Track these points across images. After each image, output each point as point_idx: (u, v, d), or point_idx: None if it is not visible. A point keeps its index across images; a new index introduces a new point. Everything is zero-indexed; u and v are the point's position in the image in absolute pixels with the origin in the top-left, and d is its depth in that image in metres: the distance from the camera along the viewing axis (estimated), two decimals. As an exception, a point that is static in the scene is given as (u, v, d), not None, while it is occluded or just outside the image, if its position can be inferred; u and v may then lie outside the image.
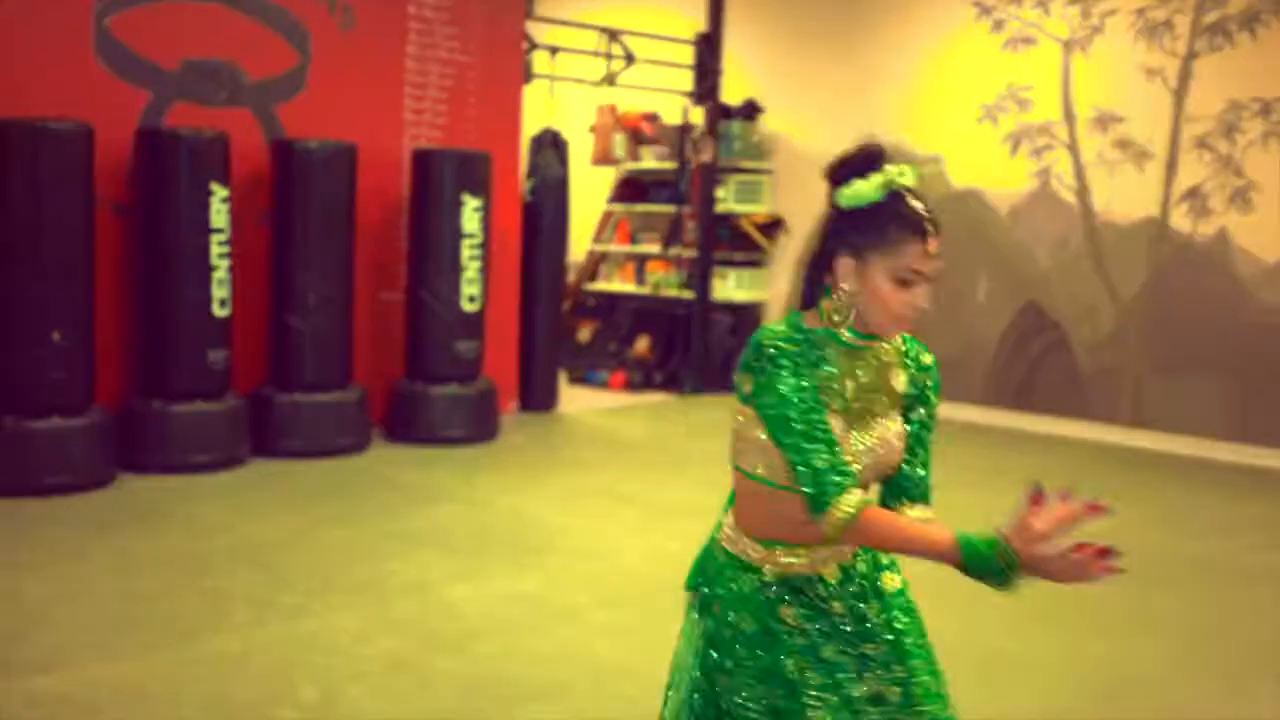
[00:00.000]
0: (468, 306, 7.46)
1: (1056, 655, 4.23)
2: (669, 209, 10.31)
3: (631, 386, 9.98)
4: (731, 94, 10.09)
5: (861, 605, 2.18)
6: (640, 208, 10.83)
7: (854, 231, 2.08)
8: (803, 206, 10.05)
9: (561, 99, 9.08)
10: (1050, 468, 7.42)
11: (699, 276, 10.01)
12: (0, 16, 6.20)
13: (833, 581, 2.17)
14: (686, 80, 9.86)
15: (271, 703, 3.61)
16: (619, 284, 10.97)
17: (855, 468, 2.05)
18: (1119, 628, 4.52)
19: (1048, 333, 8.70)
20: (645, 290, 10.67)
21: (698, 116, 9.91)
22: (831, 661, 2.14)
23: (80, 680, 3.73)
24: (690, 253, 10.09)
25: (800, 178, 10.05)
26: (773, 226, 10.25)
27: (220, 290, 6.54)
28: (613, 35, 8.99)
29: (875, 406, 2.13)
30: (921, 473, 2.19)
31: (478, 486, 6.41)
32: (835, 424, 2.06)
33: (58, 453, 5.89)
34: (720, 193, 10.06)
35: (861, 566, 2.19)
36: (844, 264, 2.08)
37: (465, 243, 7.42)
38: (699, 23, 9.94)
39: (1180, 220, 8.02)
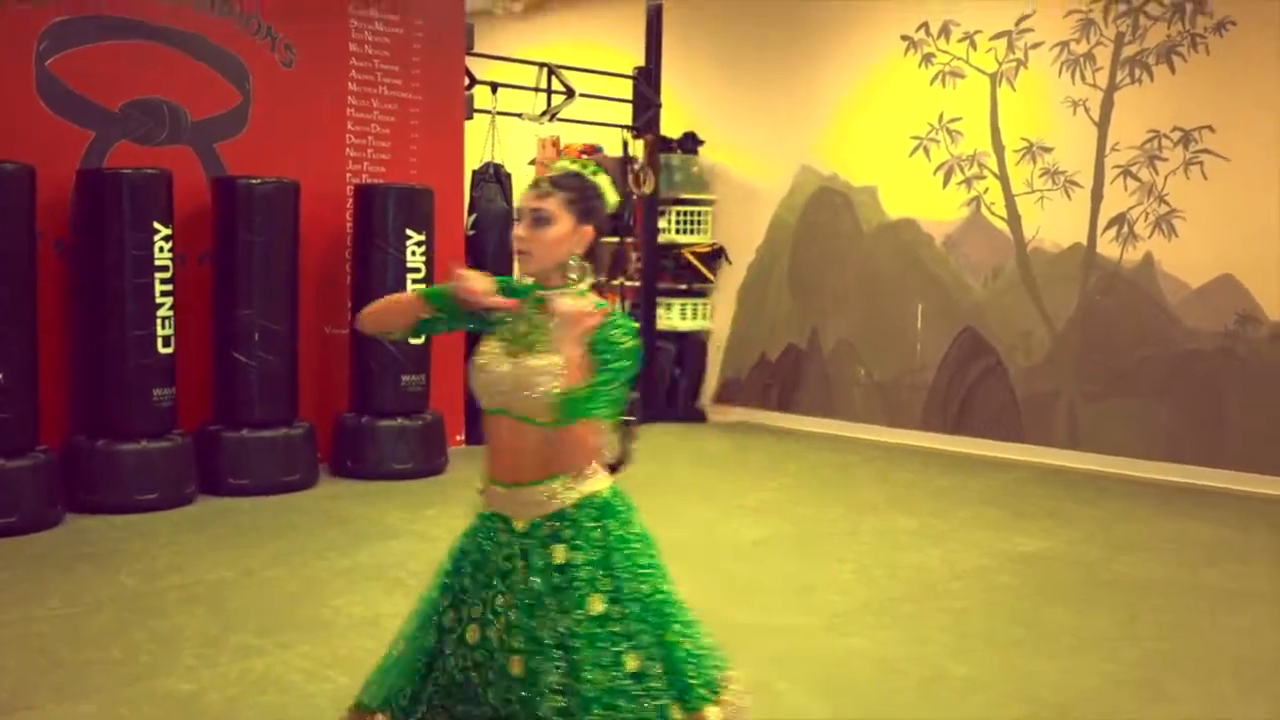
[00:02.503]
0: (413, 340, 7.51)
1: (1001, 675, 4.34)
2: (612, 240, 10.38)
3: (577, 417, 10.03)
4: (671, 127, 10.24)
5: (519, 558, 2.58)
6: (582, 239, 10.92)
7: None
8: (743, 236, 10.24)
9: (504, 133, 9.17)
10: (988, 489, 7.59)
11: (643, 307, 10.11)
12: (-60, 58, 6.20)
13: (519, 528, 2.59)
14: (626, 114, 9.99)
15: (226, 741, 3.64)
16: (562, 315, 11.02)
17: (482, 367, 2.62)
18: (1062, 647, 4.64)
19: (984, 358, 8.90)
20: (589, 321, 10.74)
21: (638, 149, 10.03)
22: (456, 574, 2.66)
23: (33, 723, 3.73)
24: (634, 283, 10.20)
25: (740, 208, 10.23)
26: (714, 257, 10.40)
27: (164, 328, 6.54)
28: (551, 70, 9.09)
29: (537, 344, 2.58)
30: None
31: (426, 520, 6.44)
32: (494, 345, 2.64)
33: (3, 494, 5.85)
34: (662, 224, 10.19)
35: (543, 531, 2.58)
36: None
37: (409, 277, 7.47)
38: (637, 57, 10.09)
39: (1108, 247, 8.26)
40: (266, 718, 3.81)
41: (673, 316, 10.28)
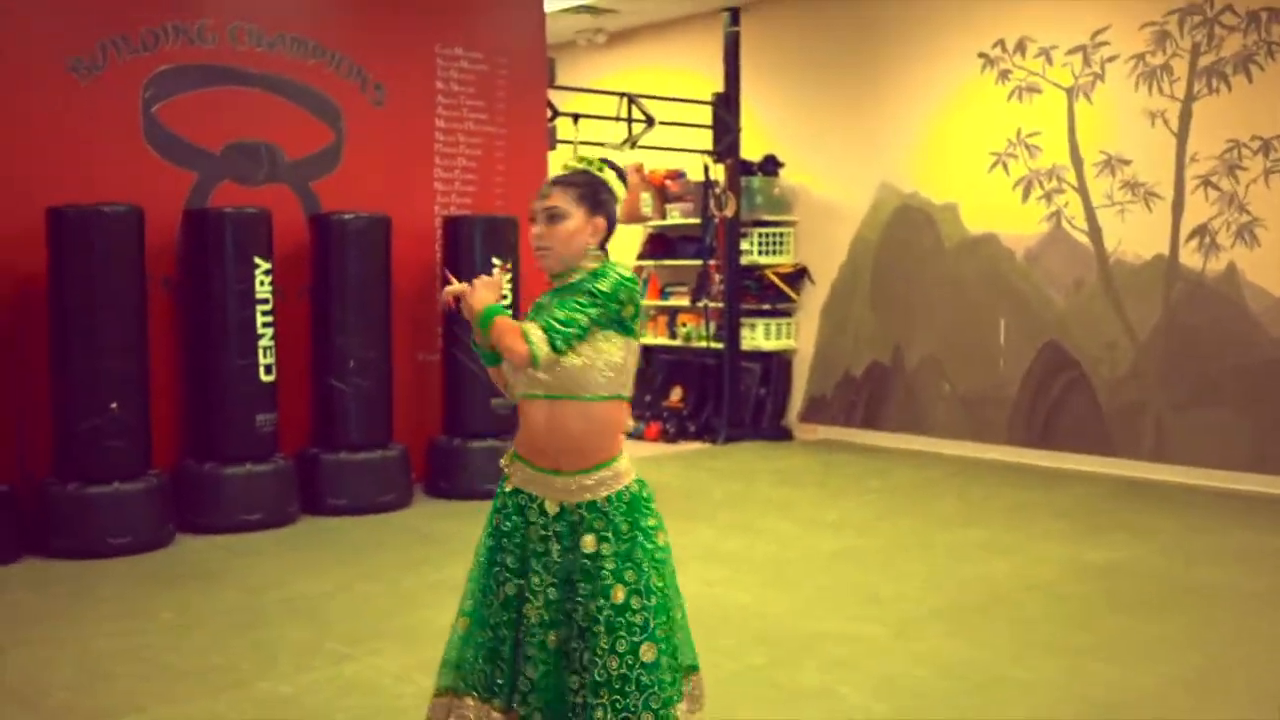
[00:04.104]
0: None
1: (1059, 679, 4.43)
2: (696, 263, 10.65)
3: (666, 437, 10.26)
4: (751, 150, 10.45)
5: (553, 540, 2.80)
6: (669, 263, 11.18)
7: None
8: (825, 256, 10.38)
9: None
10: (1067, 502, 7.63)
11: (727, 328, 10.31)
12: (56, 111, 6.65)
13: (551, 512, 2.80)
14: (707, 139, 10.22)
15: (317, 739, 3.92)
16: (652, 337, 11.29)
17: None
18: (1125, 654, 4.71)
19: (1068, 371, 8.91)
20: (677, 342, 10.99)
21: (719, 173, 10.25)
22: (505, 551, 2.86)
23: (143, 724, 4.05)
24: (718, 305, 10.41)
25: (821, 228, 10.38)
26: (797, 276, 10.56)
27: (266, 357, 6.92)
28: (632, 100, 9.36)
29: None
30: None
31: (513, 537, 6.69)
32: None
33: (118, 516, 6.26)
34: (744, 245, 10.39)
35: (573, 517, 2.79)
36: None
37: (497, 304, 7.76)
38: (716, 83, 10.32)
39: (1190, 258, 8.25)
40: (355, 716, 4.08)
41: (757, 337, 10.46)
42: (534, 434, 2.84)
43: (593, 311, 2.73)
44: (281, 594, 5.61)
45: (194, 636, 4.97)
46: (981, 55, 9.29)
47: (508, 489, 2.89)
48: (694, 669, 2.87)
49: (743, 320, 10.44)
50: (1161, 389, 8.40)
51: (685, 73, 11.13)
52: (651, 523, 2.83)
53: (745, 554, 6.34)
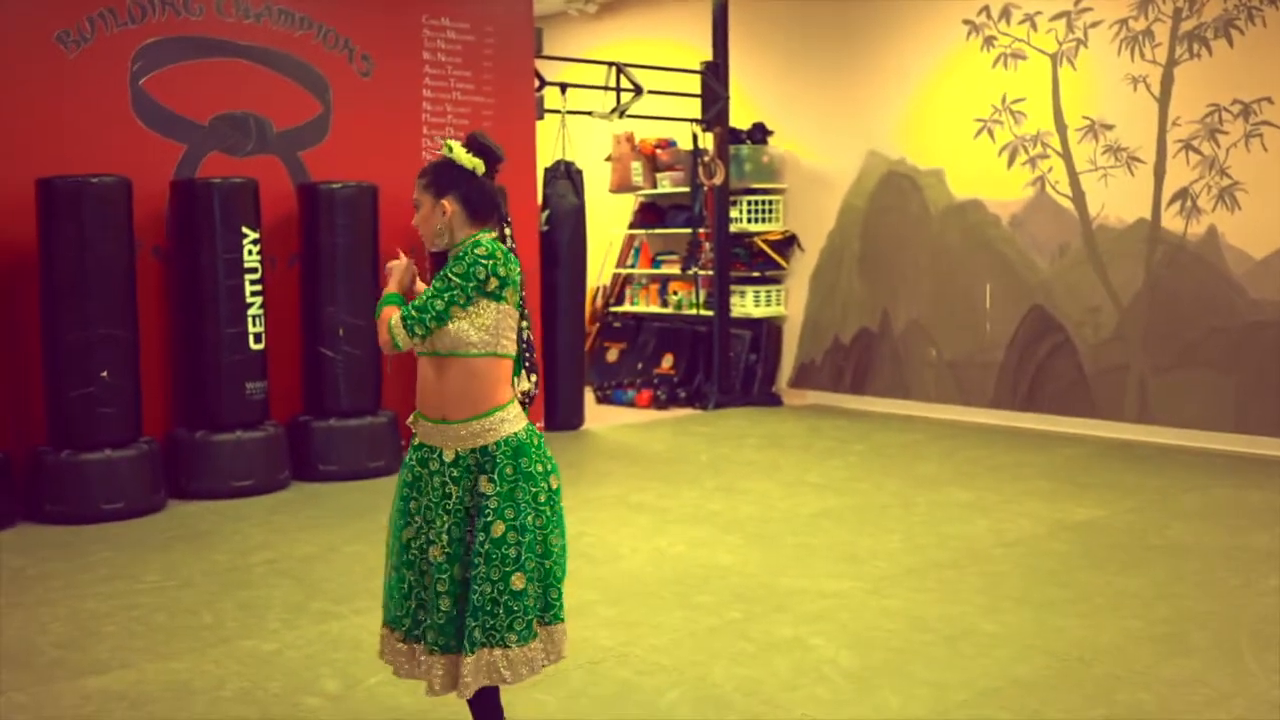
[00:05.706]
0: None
1: (1028, 631, 4.53)
2: (686, 231, 10.72)
3: (657, 403, 10.35)
4: (739, 119, 10.49)
5: (451, 484, 3.13)
6: (660, 231, 11.25)
7: None
8: (814, 223, 10.45)
9: (577, 130, 9.49)
10: (1051, 463, 7.72)
11: (718, 295, 10.39)
12: (44, 83, 6.72)
13: (448, 459, 3.12)
14: (696, 108, 10.27)
15: (299, 692, 4.02)
16: (644, 305, 11.38)
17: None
18: (1093, 606, 4.81)
19: (1053, 335, 9.00)
20: (668, 310, 11.07)
21: (708, 141, 10.31)
22: (411, 500, 3.21)
23: (130, 679, 4.15)
24: (708, 272, 10.48)
25: (810, 196, 10.45)
26: (786, 244, 10.62)
27: (255, 326, 7.01)
28: (620, 69, 9.40)
29: None
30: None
31: (500, 500, 6.79)
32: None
33: (110, 482, 6.37)
34: (734, 213, 10.45)
35: (468, 461, 3.12)
36: None
37: (485, 272, 7.84)
38: (704, 52, 10.36)
39: (1172, 222, 8.31)
40: (337, 672, 4.19)
41: (747, 304, 10.54)
42: (425, 388, 3.16)
43: (447, 296, 3.04)
44: (270, 556, 5.72)
45: (183, 597, 5.08)
46: (967, 22, 9.33)
47: (415, 443, 3.22)
48: (559, 620, 3.23)
49: (733, 288, 10.52)
50: (1145, 352, 8.49)
51: (675, 42, 11.17)
52: (539, 468, 3.15)
53: (728, 515, 6.44)
